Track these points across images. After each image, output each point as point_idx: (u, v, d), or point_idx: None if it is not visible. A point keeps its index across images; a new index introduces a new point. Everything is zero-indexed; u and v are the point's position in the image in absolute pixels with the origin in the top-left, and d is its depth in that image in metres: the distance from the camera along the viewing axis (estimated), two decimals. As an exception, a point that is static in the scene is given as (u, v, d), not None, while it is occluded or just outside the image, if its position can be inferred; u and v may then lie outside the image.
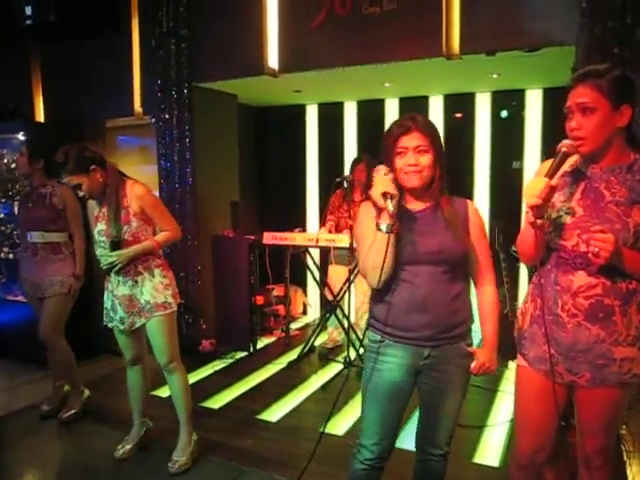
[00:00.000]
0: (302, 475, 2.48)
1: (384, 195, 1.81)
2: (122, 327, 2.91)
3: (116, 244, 2.80)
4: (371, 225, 1.91)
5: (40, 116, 5.28)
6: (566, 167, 1.83)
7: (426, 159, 1.88)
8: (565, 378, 1.82)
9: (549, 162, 1.81)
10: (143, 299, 2.85)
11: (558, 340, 1.80)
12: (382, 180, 1.85)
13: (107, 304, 2.95)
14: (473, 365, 1.96)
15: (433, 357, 1.94)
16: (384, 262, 1.83)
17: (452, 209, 1.96)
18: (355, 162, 4.60)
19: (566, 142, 1.71)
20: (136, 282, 2.85)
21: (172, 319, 2.94)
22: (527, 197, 1.69)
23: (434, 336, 1.92)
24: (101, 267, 2.84)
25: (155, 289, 2.87)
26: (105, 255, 2.80)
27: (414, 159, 1.87)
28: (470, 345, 1.99)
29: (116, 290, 2.89)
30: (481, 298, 2.04)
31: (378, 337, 1.99)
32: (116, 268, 2.80)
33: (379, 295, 1.98)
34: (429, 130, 1.90)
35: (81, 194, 2.83)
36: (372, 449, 2.01)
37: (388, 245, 1.82)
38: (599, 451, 1.90)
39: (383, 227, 1.83)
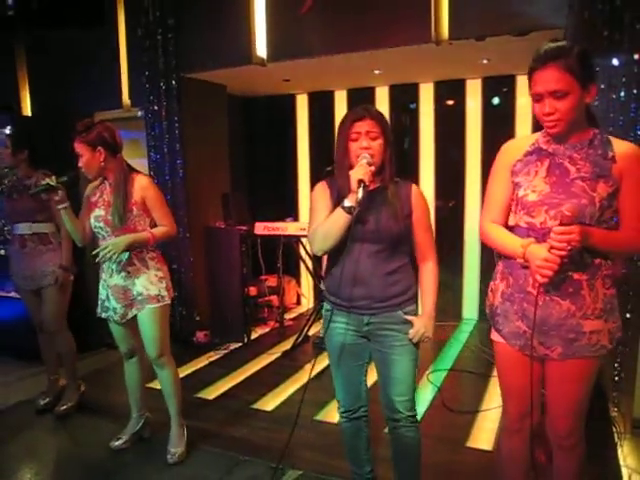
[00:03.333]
0: (282, 459, 2.58)
1: (359, 182, 1.98)
2: (116, 317, 2.90)
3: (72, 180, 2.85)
4: (323, 202, 2.18)
5: (27, 110, 5.22)
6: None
7: (377, 144, 2.09)
8: (539, 352, 1.87)
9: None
10: (136, 290, 2.85)
11: (530, 316, 1.83)
12: (363, 168, 2.02)
13: (102, 294, 2.94)
14: (410, 332, 2.16)
15: (373, 324, 2.18)
16: (335, 235, 2.05)
17: (396, 192, 2.16)
18: None
19: (569, 207, 1.68)
20: (129, 273, 2.84)
21: (165, 312, 2.93)
22: (537, 272, 1.71)
23: (370, 305, 2.15)
24: (92, 256, 2.80)
25: (149, 281, 2.86)
26: (101, 247, 2.76)
27: (367, 143, 2.08)
28: (411, 313, 2.19)
29: (109, 280, 2.88)
30: (422, 273, 2.27)
31: (328, 306, 2.26)
32: (112, 259, 2.76)
33: (328, 268, 2.26)
34: (380, 119, 2.12)
35: (79, 164, 2.81)
36: (343, 403, 2.34)
37: (344, 223, 2.02)
38: (572, 430, 1.94)
39: (346, 206, 2.01)
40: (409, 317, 2.17)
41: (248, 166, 6.19)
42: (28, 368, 4.32)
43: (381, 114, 2.14)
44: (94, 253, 2.76)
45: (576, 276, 1.77)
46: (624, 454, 2.91)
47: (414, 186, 2.23)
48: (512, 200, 1.93)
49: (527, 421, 1.99)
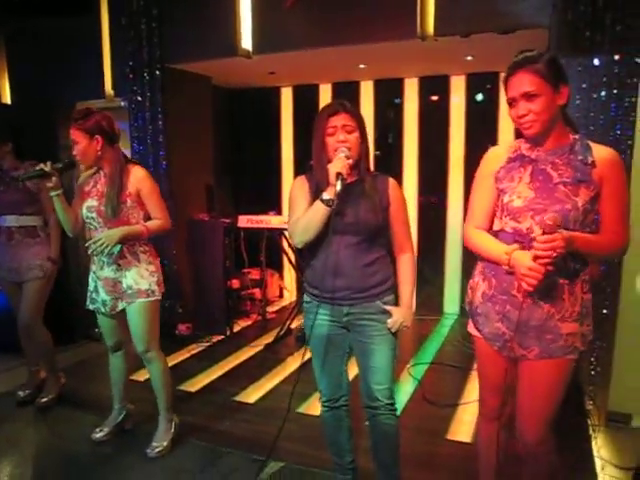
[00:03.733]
0: (271, 453, 2.61)
1: (337, 175, 2.02)
2: (105, 309, 2.87)
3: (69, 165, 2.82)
4: (302, 196, 2.21)
5: (6, 98, 5.15)
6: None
7: (353, 137, 2.14)
8: (516, 352, 1.93)
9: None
10: (126, 283, 2.82)
11: (511, 318, 1.89)
12: (341, 162, 2.06)
13: (91, 286, 2.91)
14: (389, 321, 2.21)
15: (352, 314, 2.23)
16: (315, 228, 2.10)
17: (373, 185, 2.21)
18: None
19: (551, 216, 1.70)
20: (120, 266, 2.81)
21: (154, 307, 2.89)
22: (523, 280, 1.75)
23: (348, 296, 2.20)
24: (88, 248, 2.72)
25: (140, 275, 2.83)
26: (93, 239, 2.70)
27: (343, 136, 2.13)
28: (389, 303, 2.24)
29: (99, 272, 2.85)
30: (399, 264, 2.32)
31: (308, 298, 2.32)
32: (105, 250, 2.69)
33: (307, 260, 2.30)
34: (355, 113, 2.17)
35: (74, 152, 2.76)
36: (324, 392, 2.39)
37: (323, 215, 2.07)
38: (539, 439, 1.97)
39: (325, 199, 2.06)
40: (388, 307, 2.22)
41: (232, 158, 6.17)
42: (8, 361, 4.26)
43: (355, 108, 2.20)
44: (87, 245, 2.71)
45: (559, 280, 1.82)
46: (598, 446, 2.99)
47: (391, 179, 2.27)
48: (496, 206, 1.97)
49: (503, 409, 2.06)
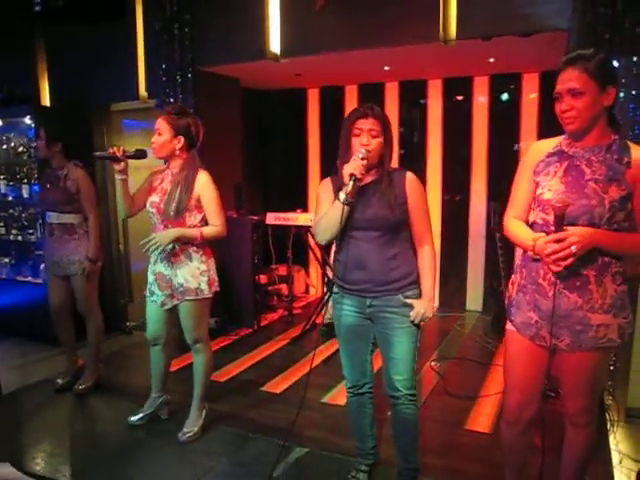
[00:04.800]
0: (288, 438, 2.72)
1: (350, 175, 2.14)
2: (158, 303, 2.99)
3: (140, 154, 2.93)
4: (327, 196, 2.33)
5: (46, 100, 5.37)
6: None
7: (376, 142, 2.24)
8: (547, 341, 1.96)
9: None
10: (177, 281, 2.91)
11: (541, 307, 1.95)
12: (355, 163, 2.16)
13: (150, 278, 3.02)
14: (411, 313, 2.30)
15: (374, 306, 2.34)
16: (334, 226, 2.21)
17: (390, 181, 2.29)
18: None
19: (559, 198, 1.80)
20: (172, 264, 2.91)
21: (203, 305, 2.99)
22: (551, 265, 1.82)
23: (371, 289, 2.32)
24: (144, 247, 2.83)
25: (190, 274, 2.91)
26: (148, 238, 2.80)
27: (367, 140, 2.23)
28: (411, 297, 2.32)
29: (153, 266, 2.97)
30: (420, 257, 2.39)
31: (336, 289, 2.45)
32: (159, 249, 2.82)
33: (335, 255, 2.42)
34: (382, 119, 2.27)
35: (152, 140, 2.86)
36: (349, 378, 2.51)
37: (339, 213, 2.17)
38: (581, 411, 2.06)
39: (341, 198, 2.16)
40: (409, 300, 2.31)
41: (260, 157, 6.32)
42: (45, 350, 4.49)
43: (383, 114, 2.29)
44: (142, 243, 2.82)
45: (584, 271, 1.87)
46: (616, 440, 3.04)
47: (409, 174, 2.34)
48: (533, 198, 2.03)
49: (525, 412, 2.11)
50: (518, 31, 3.54)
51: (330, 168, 2.42)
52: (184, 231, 2.84)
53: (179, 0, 4.55)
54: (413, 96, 5.56)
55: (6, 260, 5.09)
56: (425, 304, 2.32)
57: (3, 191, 4.96)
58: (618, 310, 1.91)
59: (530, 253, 1.93)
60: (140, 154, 2.93)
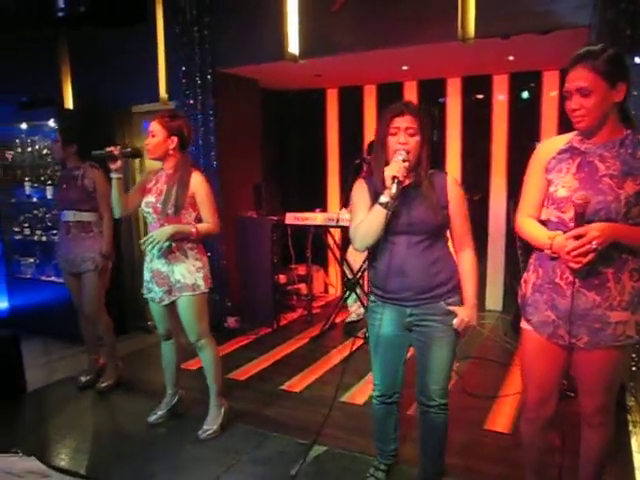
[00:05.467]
0: (317, 438, 2.69)
1: (393, 178, 2.04)
2: (156, 300, 3.07)
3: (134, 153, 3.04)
4: (363, 200, 2.24)
5: (69, 103, 5.46)
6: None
7: (414, 141, 2.15)
8: (566, 340, 1.95)
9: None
10: (174, 278, 2.98)
11: (558, 306, 1.94)
12: (397, 164, 2.08)
13: (146, 276, 3.09)
14: (455, 321, 2.22)
15: (415, 315, 2.24)
16: (375, 231, 2.11)
17: (430, 184, 2.21)
18: (370, 145, 4.72)
19: (580, 195, 1.77)
20: (169, 261, 2.98)
21: (201, 300, 3.06)
22: (570, 262, 1.81)
23: (412, 297, 2.21)
24: (142, 245, 2.94)
25: (187, 270, 2.98)
26: (147, 237, 2.89)
27: (404, 138, 2.14)
28: (453, 304, 2.23)
29: (150, 264, 3.04)
30: (460, 262, 2.31)
31: (372, 298, 2.35)
32: (157, 246, 2.89)
33: (370, 262, 2.33)
34: (419, 116, 2.17)
35: (146, 142, 2.95)
36: (379, 388, 2.43)
37: (381, 219, 2.08)
38: (598, 409, 2.04)
39: (383, 202, 2.07)
40: (452, 307, 2.22)
41: (279, 158, 6.35)
42: (69, 349, 4.59)
43: (420, 111, 2.20)
44: (141, 242, 2.94)
45: (602, 269, 1.85)
46: (639, 443, 3.00)
47: (449, 176, 2.28)
48: (545, 196, 2.01)
49: (544, 409, 2.10)
50: (537, 29, 3.52)
51: (348, 168, 2.41)
52: (180, 227, 2.92)
53: (198, 3, 4.61)
54: (432, 95, 5.55)
55: (31, 260, 5.20)
56: (468, 311, 2.24)
57: (28, 192, 5.08)
58: (635, 307, 1.89)
59: (547, 252, 1.91)
60: (137, 152, 3.06)
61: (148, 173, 3.14)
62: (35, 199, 5.05)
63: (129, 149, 3.02)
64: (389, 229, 2.12)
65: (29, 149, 5.13)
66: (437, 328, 2.23)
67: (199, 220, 3.02)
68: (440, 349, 2.25)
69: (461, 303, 2.26)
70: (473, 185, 5.47)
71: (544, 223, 2.02)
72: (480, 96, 5.37)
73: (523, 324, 2.11)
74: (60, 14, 4.42)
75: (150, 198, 2.99)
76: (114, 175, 2.96)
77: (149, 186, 3.05)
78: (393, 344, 2.32)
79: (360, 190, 2.29)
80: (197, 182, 2.98)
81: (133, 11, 4.75)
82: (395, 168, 2.06)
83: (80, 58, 5.35)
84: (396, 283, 2.21)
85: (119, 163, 2.93)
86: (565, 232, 1.86)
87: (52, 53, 5.38)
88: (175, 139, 2.94)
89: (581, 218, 1.77)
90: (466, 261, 2.29)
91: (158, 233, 2.88)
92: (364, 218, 2.16)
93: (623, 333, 1.89)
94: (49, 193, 4.88)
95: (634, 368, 3.26)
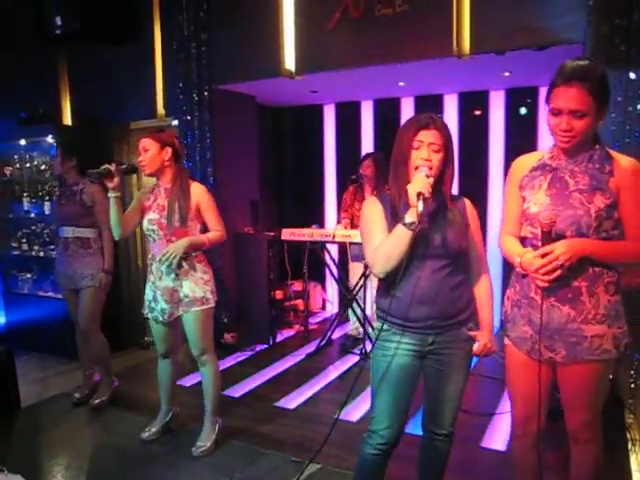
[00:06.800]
0: (316, 456, 2.60)
1: (418, 195, 1.87)
2: (161, 318, 3.02)
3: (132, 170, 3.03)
4: (378, 219, 2.05)
5: (67, 119, 5.49)
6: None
7: (437, 158, 1.97)
8: (544, 355, 1.95)
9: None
10: (183, 292, 2.96)
11: (534, 321, 1.94)
12: (421, 180, 1.91)
13: (149, 295, 3.06)
14: (475, 347, 2.13)
15: (437, 343, 2.08)
16: (399, 254, 1.92)
17: (455, 206, 2.10)
18: (362, 159, 4.73)
19: (545, 215, 1.79)
20: (178, 275, 2.95)
21: (209, 314, 3.04)
22: (533, 278, 1.83)
23: (436, 324, 2.05)
24: (158, 261, 2.92)
25: (196, 283, 2.97)
26: (163, 252, 2.87)
27: (427, 154, 1.96)
28: (472, 329, 2.13)
29: (158, 282, 2.99)
30: (479, 286, 2.19)
31: (385, 326, 2.12)
32: (174, 261, 2.86)
33: (386, 287, 2.11)
34: (444, 131, 2.00)
35: (140, 159, 2.93)
36: (383, 434, 2.10)
37: (407, 240, 1.90)
38: (582, 426, 2.01)
39: (408, 222, 1.89)
40: (473, 332, 2.13)
41: (276, 174, 6.37)
42: (64, 365, 4.57)
43: (446, 126, 2.02)
44: (158, 259, 2.91)
45: (575, 283, 1.86)
46: (638, 461, 2.96)
47: (467, 200, 2.19)
48: (522, 213, 2.03)
49: (532, 425, 2.07)
50: (532, 44, 3.54)
51: (346, 184, 2.36)
52: (194, 238, 2.94)
53: (196, 20, 4.65)
54: (429, 111, 5.52)
55: (28, 276, 5.19)
56: (489, 336, 2.15)
57: (26, 208, 5.08)
58: (612, 320, 1.89)
59: (518, 269, 1.92)
60: (132, 169, 3.04)
61: (143, 192, 3.12)
62: (33, 215, 5.06)
63: (125, 165, 3.01)
64: (414, 253, 1.95)
65: (27, 165, 5.15)
66: (457, 355, 2.11)
67: (204, 231, 3.03)
68: (459, 376, 2.14)
69: (477, 328, 2.17)
70: (471, 200, 5.46)
71: (522, 240, 2.03)
72: (477, 112, 5.39)
73: (505, 340, 2.12)
74: (57, 32, 4.45)
75: (153, 215, 2.97)
76: (112, 194, 2.90)
77: (147, 204, 3.03)
78: (409, 374, 2.10)
79: (374, 210, 2.10)
80: (199, 192, 2.99)
81: (127, 28, 4.79)
82: (420, 184, 1.88)
83: (79, 75, 5.39)
84: (422, 311, 2.03)
85: (116, 180, 2.87)
86: (537, 248, 1.87)
87: (51, 70, 5.42)
88: (169, 150, 2.94)
89: (547, 237, 1.78)
90: (485, 285, 2.19)
91: (174, 247, 2.86)
92: (385, 240, 1.98)
93: (600, 346, 1.88)
94: (47, 208, 4.89)
95: (632, 385, 3.23)
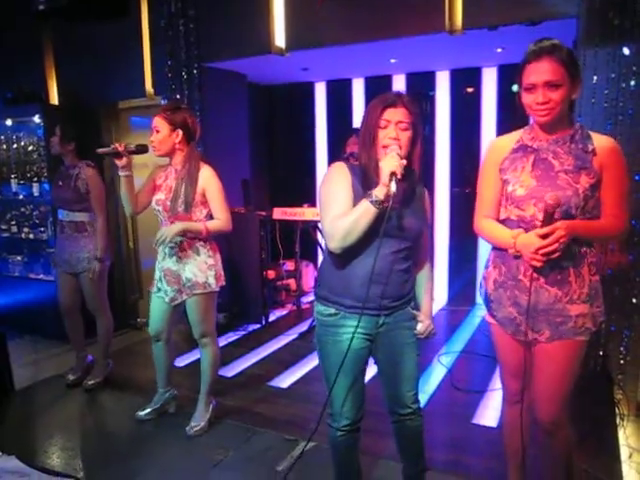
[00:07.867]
0: (312, 435, 2.60)
1: (391, 175, 1.82)
2: (166, 299, 3.01)
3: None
4: (344, 188, 1.96)
5: (54, 99, 5.40)
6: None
7: (405, 136, 1.93)
8: (529, 336, 1.98)
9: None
10: (185, 276, 2.94)
11: (520, 302, 1.96)
12: (395, 160, 1.85)
13: (157, 275, 3.05)
14: (419, 327, 2.14)
15: (387, 324, 2.08)
16: (361, 231, 1.88)
17: (419, 190, 2.11)
18: (348, 136, 4.68)
19: (552, 195, 1.76)
20: (180, 258, 2.93)
21: (211, 299, 3.02)
22: (530, 259, 1.82)
23: (388, 305, 2.05)
24: (155, 244, 2.89)
25: (198, 268, 2.94)
26: (157, 235, 2.84)
27: (395, 133, 1.92)
28: (414, 309, 2.17)
29: (162, 262, 2.99)
30: (423, 272, 2.24)
31: (332, 310, 2.05)
32: (165, 242, 2.83)
33: (335, 267, 2.05)
34: (412, 109, 1.95)
35: (151, 139, 2.89)
36: (347, 415, 2.11)
37: (372, 218, 1.86)
38: (553, 416, 2.02)
39: (375, 200, 1.84)
40: (416, 312, 2.15)
41: (267, 153, 6.33)
42: (56, 347, 4.56)
43: (414, 103, 1.97)
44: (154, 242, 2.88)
45: (564, 264, 1.88)
46: (626, 435, 3.01)
47: (424, 188, 2.17)
48: (502, 195, 2.03)
49: (527, 394, 2.09)
50: (525, 19, 3.49)
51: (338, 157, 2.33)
52: (189, 224, 2.86)
53: (183, -4, 4.55)
54: (421, 88, 5.52)
55: (18, 258, 5.15)
56: (430, 318, 2.20)
57: (14, 190, 5.02)
58: (593, 299, 1.94)
59: (511, 251, 1.90)
60: (142, 149, 2.94)
61: (156, 168, 3.07)
62: (22, 196, 4.99)
63: (133, 146, 2.92)
64: (378, 231, 1.86)
65: (15, 146, 5.07)
66: (406, 334, 2.12)
67: (211, 217, 2.96)
68: (410, 355, 2.14)
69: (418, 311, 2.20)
70: (462, 178, 5.46)
71: (502, 222, 2.03)
72: (469, 89, 5.35)
73: (488, 318, 2.15)
74: (41, 7, 4.35)
75: (160, 195, 2.94)
76: (122, 173, 2.88)
77: (159, 182, 2.99)
78: (360, 358, 2.08)
79: (340, 175, 2.00)
80: (207, 177, 2.91)
81: (115, 4, 4.68)
82: (393, 163, 1.83)
83: (65, 53, 5.28)
84: (373, 290, 1.97)
85: (125, 160, 2.85)
86: (526, 230, 1.88)
87: (36, 47, 5.31)
88: (180, 132, 2.88)
89: (550, 218, 1.78)
90: (429, 272, 2.25)
91: (166, 229, 2.82)
92: (348, 215, 1.89)
93: (583, 325, 1.93)
94: (36, 190, 4.83)
95: (622, 361, 3.27)
